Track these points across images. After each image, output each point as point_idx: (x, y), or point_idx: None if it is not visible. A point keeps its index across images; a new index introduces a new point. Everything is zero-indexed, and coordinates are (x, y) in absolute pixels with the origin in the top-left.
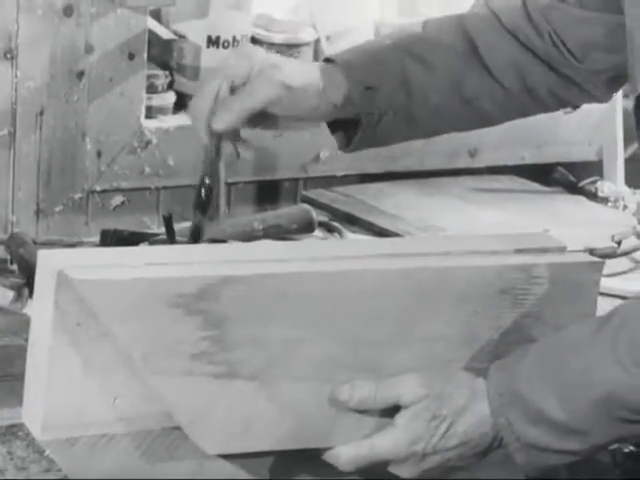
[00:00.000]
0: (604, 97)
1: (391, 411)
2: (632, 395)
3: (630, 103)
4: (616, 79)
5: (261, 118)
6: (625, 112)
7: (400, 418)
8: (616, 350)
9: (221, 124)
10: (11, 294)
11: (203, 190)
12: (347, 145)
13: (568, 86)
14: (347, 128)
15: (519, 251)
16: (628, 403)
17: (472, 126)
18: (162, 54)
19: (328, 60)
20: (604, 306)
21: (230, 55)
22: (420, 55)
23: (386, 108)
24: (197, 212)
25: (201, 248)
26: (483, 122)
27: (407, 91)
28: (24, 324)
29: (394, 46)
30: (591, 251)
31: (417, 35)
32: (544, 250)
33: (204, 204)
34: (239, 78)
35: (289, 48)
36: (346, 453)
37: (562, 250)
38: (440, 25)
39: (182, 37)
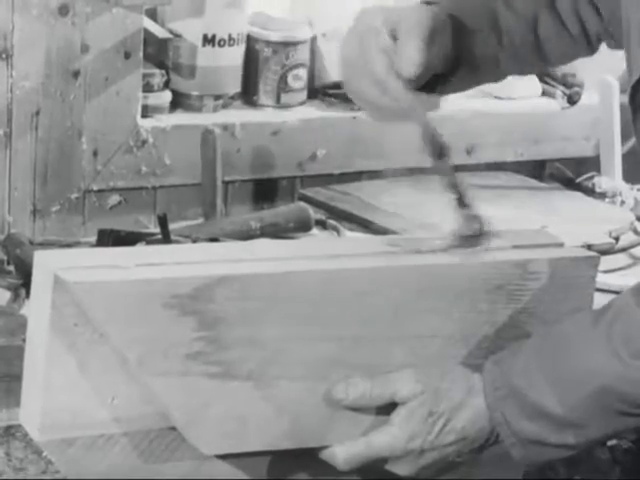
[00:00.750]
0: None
1: (387, 408)
2: (628, 387)
3: (626, 98)
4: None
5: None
6: (622, 107)
7: (396, 415)
8: (611, 342)
9: (413, 67)
10: (8, 295)
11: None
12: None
13: (605, 30)
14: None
15: (515, 247)
16: (624, 395)
17: (535, 69)
18: (158, 53)
19: (428, 3)
20: (601, 302)
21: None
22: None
23: (482, 52)
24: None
25: (196, 248)
26: (543, 65)
27: (497, 33)
28: (21, 325)
29: None
30: (589, 247)
31: None
32: (540, 246)
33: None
34: (395, 23)
35: (285, 46)
36: (343, 452)
37: (559, 246)
38: None
39: (178, 36)
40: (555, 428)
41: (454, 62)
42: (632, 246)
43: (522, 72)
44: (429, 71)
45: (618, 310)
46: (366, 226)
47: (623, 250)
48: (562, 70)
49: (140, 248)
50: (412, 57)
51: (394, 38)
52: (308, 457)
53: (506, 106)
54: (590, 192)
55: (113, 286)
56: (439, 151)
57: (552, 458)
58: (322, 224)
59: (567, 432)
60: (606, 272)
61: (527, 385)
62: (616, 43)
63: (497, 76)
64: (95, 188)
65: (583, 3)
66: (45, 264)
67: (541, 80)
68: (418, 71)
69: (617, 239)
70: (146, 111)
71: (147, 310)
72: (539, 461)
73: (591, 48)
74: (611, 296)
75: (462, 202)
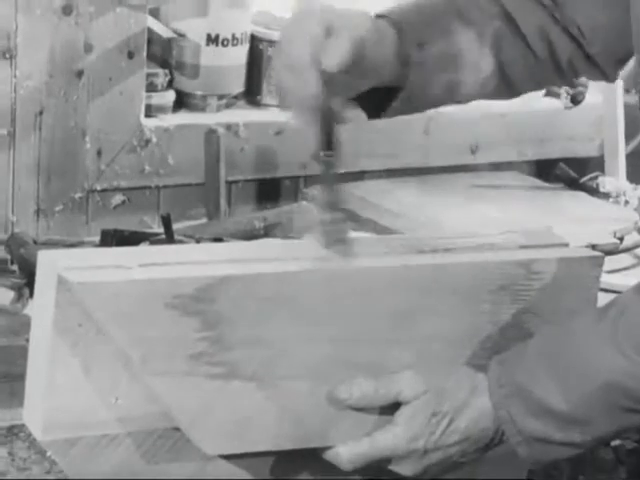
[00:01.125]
0: (612, 75)
1: (391, 408)
2: (633, 383)
3: (631, 98)
4: (624, 60)
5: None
6: (626, 107)
7: (400, 415)
8: (616, 339)
9: (334, 61)
10: (12, 294)
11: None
12: (377, 114)
13: (584, 59)
14: (373, 97)
15: (519, 247)
16: (630, 391)
17: (498, 94)
18: (162, 52)
19: (379, 16)
20: (605, 302)
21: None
22: (465, 15)
23: (434, 67)
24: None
25: (199, 248)
26: (509, 91)
27: (451, 51)
28: (25, 324)
29: (443, 4)
30: (593, 247)
31: None
32: (544, 246)
33: None
34: (331, 20)
35: None
36: (347, 452)
37: (563, 246)
38: None
39: (181, 35)
40: (560, 425)
41: (402, 79)
42: (636, 246)
43: (484, 96)
44: (362, 80)
45: (622, 307)
46: (370, 226)
47: (627, 250)
48: None
49: (143, 248)
50: (336, 52)
51: (328, 34)
52: (312, 457)
53: (510, 106)
54: (594, 192)
55: (116, 286)
56: (328, 145)
57: (558, 457)
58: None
59: (573, 429)
60: (610, 272)
61: (532, 383)
62: (599, 69)
63: (457, 99)
64: (99, 188)
65: (551, 25)
66: (48, 264)
67: None
68: (338, 67)
69: (621, 239)
70: (150, 111)
71: (150, 310)
72: (545, 460)
73: (561, 74)
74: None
75: (331, 204)
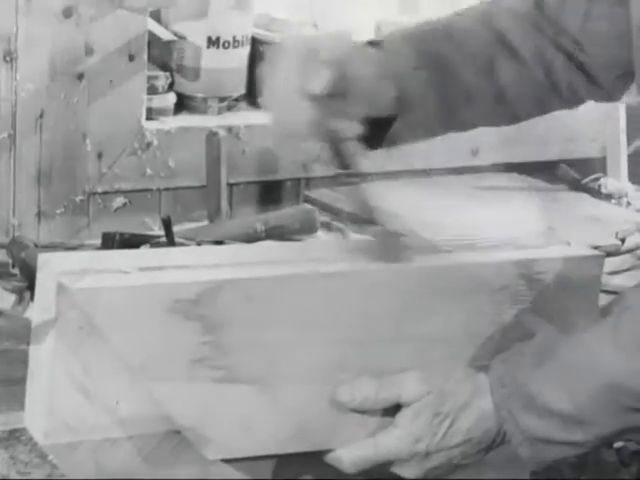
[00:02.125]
0: (616, 93)
1: (393, 410)
2: (636, 381)
3: (634, 99)
4: (627, 75)
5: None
6: (628, 108)
7: (402, 417)
8: (618, 337)
9: (316, 82)
10: (13, 298)
11: None
12: (375, 145)
13: (584, 80)
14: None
15: (520, 247)
16: (632, 390)
17: (499, 120)
18: (162, 55)
19: (371, 43)
20: None
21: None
22: (457, 40)
23: (426, 95)
24: None
25: (200, 251)
26: (511, 117)
27: (445, 77)
28: (26, 328)
29: (433, 30)
30: (595, 249)
31: (450, 20)
32: (545, 246)
33: None
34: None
35: None
36: (349, 455)
37: (564, 246)
38: (469, 12)
39: (182, 38)
40: (563, 425)
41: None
42: (638, 247)
43: (485, 122)
44: (356, 105)
45: (624, 305)
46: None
47: (629, 251)
48: None
49: (144, 251)
50: (317, 74)
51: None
52: (314, 460)
53: None
54: (596, 193)
55: (116, 292)
56: (342, 165)
57: (560, 456)
58: (327, 226)
59: (575, 429)
60: (612, 273)
61: (534, 381)
62: (599, 87)
63: (456, 127)
64: (100, 190)
65: (548, 45)
66: (49, 268)
67: None
68: (321, 89)
69: (623, 240)
70: (150, 113)
71: (151, 315)
72: (547, 460)
73: (562, 96)
74: None
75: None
